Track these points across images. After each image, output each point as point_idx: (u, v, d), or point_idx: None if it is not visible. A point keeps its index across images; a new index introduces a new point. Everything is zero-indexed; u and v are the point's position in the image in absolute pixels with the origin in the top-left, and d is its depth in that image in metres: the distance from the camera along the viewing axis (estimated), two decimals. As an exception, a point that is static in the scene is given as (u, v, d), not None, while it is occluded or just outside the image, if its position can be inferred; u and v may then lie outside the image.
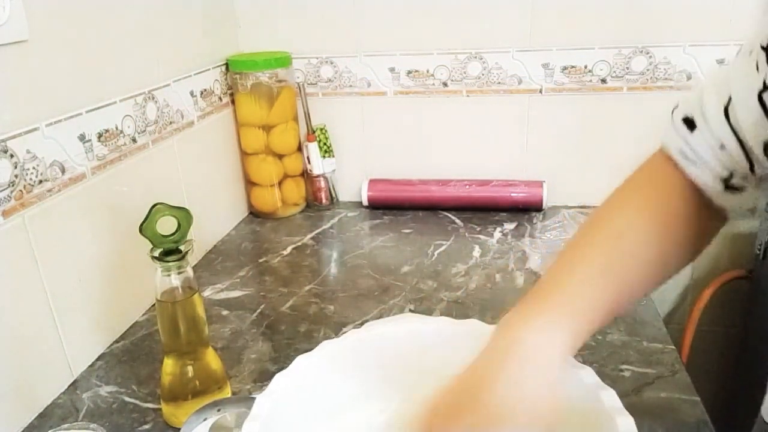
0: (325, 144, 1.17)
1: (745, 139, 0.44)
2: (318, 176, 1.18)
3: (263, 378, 0.70)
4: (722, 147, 0.45)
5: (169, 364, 0.62)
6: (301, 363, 0.51)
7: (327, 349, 0.52)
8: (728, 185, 0.46)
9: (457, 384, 0.43)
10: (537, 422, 0.40)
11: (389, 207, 1.17)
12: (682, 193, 0.48)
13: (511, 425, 0.40)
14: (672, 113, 0.49)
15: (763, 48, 0.41)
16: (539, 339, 0.43)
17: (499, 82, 1.10)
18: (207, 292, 0.90)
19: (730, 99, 0.44)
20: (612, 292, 0.46)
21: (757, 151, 0.43)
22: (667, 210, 0.48)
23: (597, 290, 0.46)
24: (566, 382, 0.46)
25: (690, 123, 0.47)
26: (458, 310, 0.82)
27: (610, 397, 0.44)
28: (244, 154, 1.15)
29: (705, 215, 0.49)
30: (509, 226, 1.08)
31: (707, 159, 0.46)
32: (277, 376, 0.49)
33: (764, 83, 0.41)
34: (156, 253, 0.57)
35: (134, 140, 0.83)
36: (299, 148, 1.17)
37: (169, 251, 0.58)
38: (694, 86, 0.49)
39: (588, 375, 0.47)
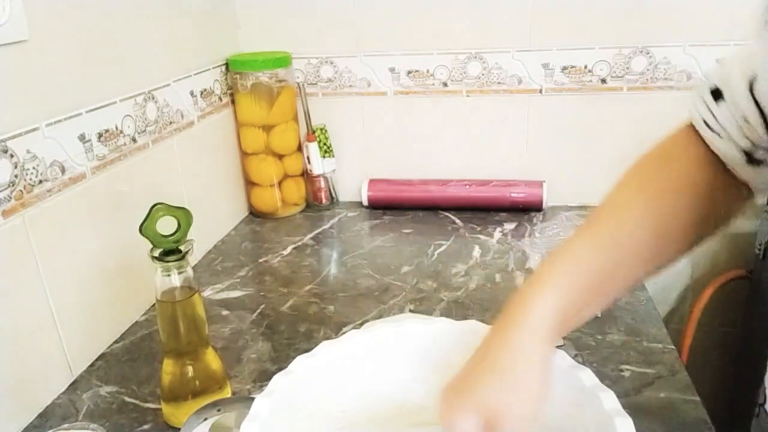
0: (325, 144, 1.17)
1: None
2: (318, 176, 1.18)
3: (263, 378, 0.70)
4: (746, 120, 0.45)
5: (169, 364, 0.62)
6: (300, 363, 0.51)
7: (327, 349, 0.52)
8: (751, 158, 0.46)
9: (469, 362, 0.46)
10: (536, 390, 0.43)
11: (389, 207, 1.17)
12: (704, 167, 0.48)
13: (515, 391, 0.42)
14: (700, 84, 0.49)
15: None
16: (536, 317, 0.44)
17: (499, 82, 1.10)
18: (207, 292, 0.90)
19: (755, 74, 0.44)
20: (606, 265, 0.47)
21: None
22: (685, 185, 0.48)
23: (589, 261, 0.46)
24: (565, 384, 0.46)
25: (717, 93, 0.46)
26: (458, 310, 0.82)
27: (609, 399, 0.44)
28: (244, 154, 1.15)
29: (729, 190, 0.49)
30: (509, 226, 1.08)
31: (731, 131, 0.45)
32: (276, 377, 0.49)
33: None
34: (156, 253, 0.57)
35: (134, 140, 0.83)
36: (299, 148, 1.17)
37: (169, 251, 0.58)
38: (721, 60, 0.49)
39: (587, 377, 0.47)
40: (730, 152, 0.46)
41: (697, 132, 0.48)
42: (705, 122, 0.47)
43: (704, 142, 0.48)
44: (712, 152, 0.48)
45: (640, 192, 0.49)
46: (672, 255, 0.50)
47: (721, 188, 0.48)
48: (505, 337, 0.44)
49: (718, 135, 0.46)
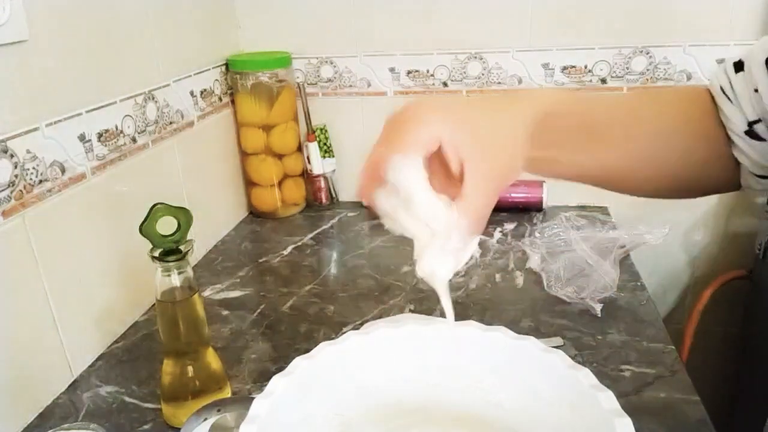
0: (325, 144, 1.17)
1: None
2: (318, 176, 1.18)
3: (263, 378, 0.70)
4: (756, 90, 0.49)
5: (169, 364, 0.62)
6: (299, 364, 0.50)
7: (326, 350, 0.52)
8: (751, 132, 0.50)
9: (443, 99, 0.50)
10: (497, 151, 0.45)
11: (389, 207, 1.17)
12: (710, 122, 0.52)
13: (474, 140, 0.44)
14: (727, 58, 0.54)
15: None
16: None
17: (499, 82, 1.10)
18: (207, 292, 0.90)
19: None
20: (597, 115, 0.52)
21: None
22: (690, 122, 0.53)
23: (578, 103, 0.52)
24: (564, 384, 0.46)
25: (739, 66, 0.52)
26: (458, 310, 0.81)
27: (608, 399, 0.44)
28: (244, 154, 1.15)
29: (718, 168, 0.53)
30: (509, 226, 1.08)
31: (742, 98, 0.50)
32: (275, 378, 0.49)
33: None
34: (156, 253, 0.57)
35: (134, 140, 0.83)
36: (299, 148, 1.17)
37: (169, 251, 0.58)
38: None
39: (586, 377, 0.46)
40: (734, 117, 0.51)
41: (711, 100, 0.53)
42: (722, 87, 0.52)
43: (716, 104, 0.53)
44: (719, 123, 0.52)
45: (641, 104, 0.55)
46: (641, 183, 0.55)
47: (711, 162, 0.53)
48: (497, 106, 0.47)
49: (730, 100, 0.51)
